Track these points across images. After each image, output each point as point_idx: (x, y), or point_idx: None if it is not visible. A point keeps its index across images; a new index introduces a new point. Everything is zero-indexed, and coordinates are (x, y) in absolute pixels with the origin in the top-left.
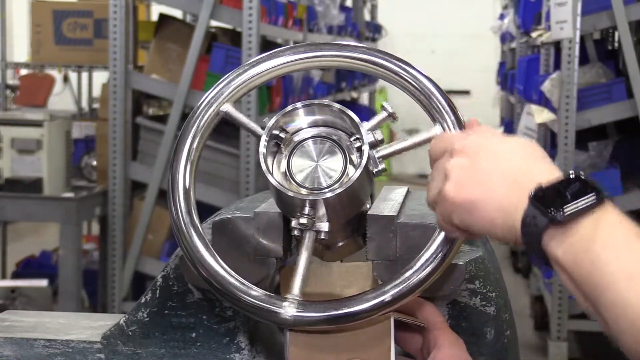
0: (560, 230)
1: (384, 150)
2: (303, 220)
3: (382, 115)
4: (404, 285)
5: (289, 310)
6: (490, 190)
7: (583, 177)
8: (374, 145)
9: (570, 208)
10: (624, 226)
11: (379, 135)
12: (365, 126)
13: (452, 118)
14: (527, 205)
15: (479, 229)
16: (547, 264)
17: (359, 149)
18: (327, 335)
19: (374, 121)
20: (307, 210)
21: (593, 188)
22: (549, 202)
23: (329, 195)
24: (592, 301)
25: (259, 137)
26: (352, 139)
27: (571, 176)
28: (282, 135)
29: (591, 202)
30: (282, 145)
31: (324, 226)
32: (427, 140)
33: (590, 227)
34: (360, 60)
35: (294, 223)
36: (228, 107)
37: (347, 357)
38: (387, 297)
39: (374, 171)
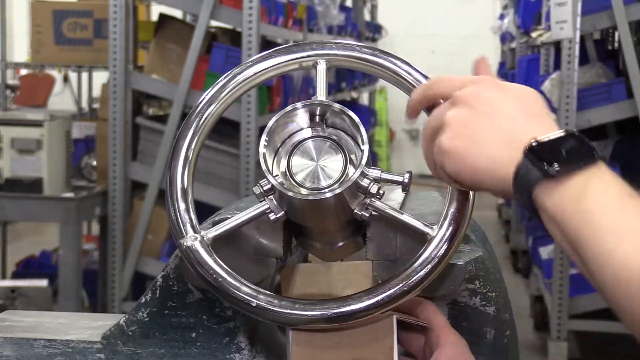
0: (552, 184)
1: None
2: (369, 196)
3: (397, 178)
4: (402, 284)
5: None
6: (483, 144)
7: (579, 135)
8: (377, 193)
9: (564, 164)
10: (616, 185)
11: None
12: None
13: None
14: (521, 158)
15: (468, 179)
16: (535, 214)
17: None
18: (330, 334)
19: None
20: (366, 183)
21: (588, 147)
22: (543, 157)
23: (328, 195)
24: (578, 252)
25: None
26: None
27: (567, 133)
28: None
29: (585, 160)
30: (281, 146)
31: (376, 185)
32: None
33: (582, 183)
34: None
35: (358, 210)
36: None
37: (349, 356)
38: (385, 296)
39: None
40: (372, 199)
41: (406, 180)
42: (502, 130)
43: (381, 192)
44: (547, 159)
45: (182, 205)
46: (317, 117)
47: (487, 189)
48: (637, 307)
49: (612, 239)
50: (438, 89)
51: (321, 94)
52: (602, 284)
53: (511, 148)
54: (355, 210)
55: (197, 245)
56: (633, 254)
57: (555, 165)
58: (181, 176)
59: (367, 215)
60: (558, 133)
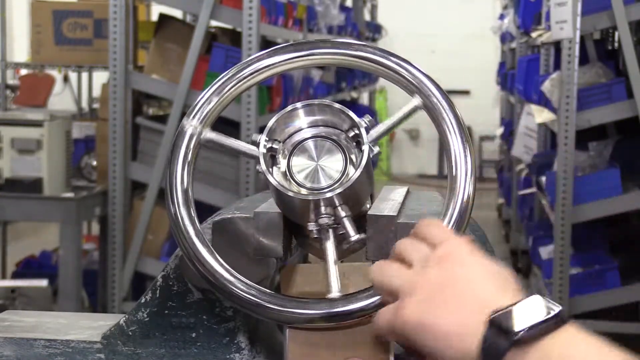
0: (522, 353)
1: (376, 132)
2: (324, 221)
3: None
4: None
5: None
6: (450, 314)
7: (543, 298)
8: (367, 129)
9: (529, 330)
10: (587, 343)
11: (368, 119)
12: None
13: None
14: (485, 329)
15: (430, 348)
16: None
17: (357, 141)
18: (326, 333)
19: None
20: (323, 209)
21: (552, 307)
22: (507, 326)
23: (328, 195)
24: None
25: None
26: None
27: (530, 298)
28: (276, 145)
29: (553, 322)
30: (281, 147)
31: (345, 221)
32: (412, 111)
33: (552, 346)
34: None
35: (311, 226)
36: (209, 134)
37: (345, 355)
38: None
39: (371, 155)
40: (330, 227)
41: (354, 239)
42: (472, 298)
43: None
44: (511, 327)
45: (182, 205)
46: (353, 134)
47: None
48: None
49: None
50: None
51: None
52: None
53: (478, 318)
54: (309, 227)
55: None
56: None
57: (523, 330)
58: (181, 175)
59: (314, 235)
60: (522, 298)
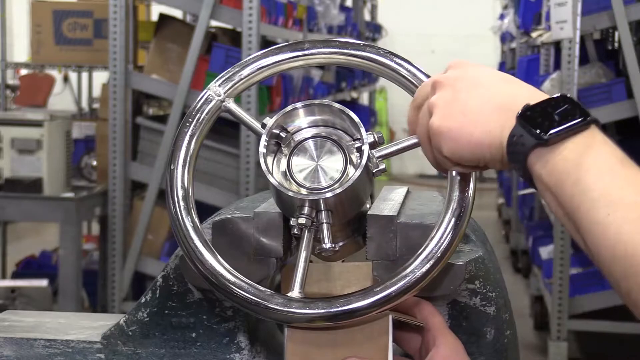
0: (546, 151)
1: (384, 150)
2: (302, 221)
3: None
4: (401, 283)
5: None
6: (474, 115)
7: (571, 99)
8: (373, 145)
9: (556, 129)
10: (609, 151)
11: (378, 135)
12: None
13: None
14: (514, 124)
15: (468, 154)
16: (532, 183)
17: (359, 149)
18: (325, 332)
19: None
20: (306, 210)
21: (581, 110)
22: (536, 122)
23: (328, 195)
24: (573, 221)
25: (259, 135)
26: (351, 141)
27: (560, 96)
28: (283, 134)
29: (578, 124)
30: (282, 145)
31: (323, 227)
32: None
33: (575, 150)
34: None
35: (292, 222)
36: (231, 104)
37: (344, 354)
38: (384, 295)
39: (373, 171)
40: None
41: (326, 246)
42: (489, 97)
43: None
44: (539, 124)
45: (182, 204)
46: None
47: (488, 162)
48: (633, 282)
49: (605, 211)
50: (419, 93)
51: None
52: (597, 255)
53: (503, 114)
54: (291, 222)
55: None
56: (627, 228)
57: (549, 130)
58: (182, 174)
59: (296, 233)
60: (550, 97)
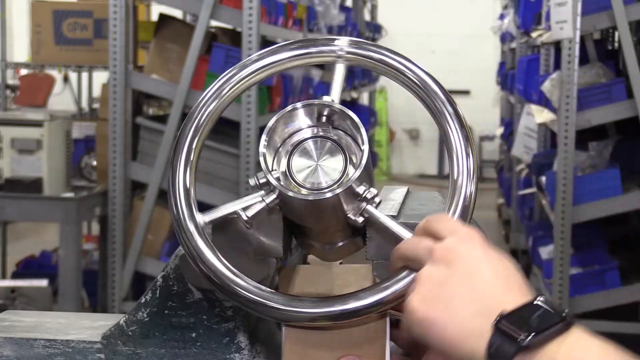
0: (528, 356)
1: (334, 96)
2: (365, 199)
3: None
4: (402, 283)
5: None
6: (455, 311)
7: (547, 300)
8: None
9: (537, 334)
10: (594, 348)
11: (325, 98)
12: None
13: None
14: (492, 333)
15: (437, 344)
16: None
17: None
18: (322, 332)
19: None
20: (363, 189)
21: (559, 312)
22: (514, 330)
23: (329, 195)
24: None
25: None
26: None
27: (536, 302)
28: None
29: (558, 326)
30: (282, 145)
31: (373, 190)
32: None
33: (558, 351)
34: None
35: (351, 214)
36: (204, 218)
37: (341, 354)
38: (384, 294)
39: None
40: (368, 205)
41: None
42: (477, 298)
43: (377, 199)
44: (518, 332)
45: (184, 203)
46: (324, 118)
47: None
48: None
49: None
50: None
51: (335, 96)
52: None
53: (483, 320)
54: (349, 215)
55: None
56: None
57: (529, 335)
58: (183, 174)
59: (360, 221)
60: (526, 302)
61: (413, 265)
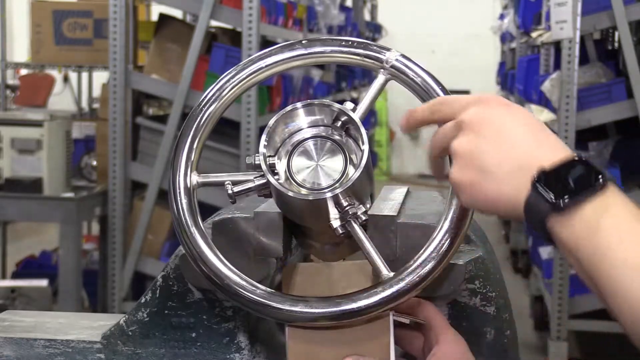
0: (564, 216)
1: (361, 108)
2: (347, 212)
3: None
4: (403, 282)
5: None
6: (491, 173)
7: (585, 160)
8: (354, 110)
9: (572, 195)
10: (627, 212)
11: (349, 105)
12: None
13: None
14: (529, 190)
15: (483, 208)
16: (553, 244)
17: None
18: (327, 331)
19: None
20: (346, 201)
21: (596, 172)
22: (551, 189)
23: (329, 195)
24: (595, 284)
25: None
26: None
27: (575, 159)
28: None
29: (594, 188)
30: (281, 147)
31: (363, 208)
32: (381, 87)
33: (593, 213)
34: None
35: (335, 223)
36: (198, 178)
37: (345, 353)
38: (385, 294)
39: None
40: (353, 220)
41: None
42: (510, 157)
43: (363, 217)
44: (555, 191)
45: (185, 203)
46: (340, 123)
47: (504, 216)
48: None
49: (629, 274)
50: (443, 111)
51: (360, 113)
52: (620, 315)
53: (521, 176)
54: (331, 222)
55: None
56: None
57: (564, 197)
58: (184, 174)
59: (341, 231)
60: (564, 160)
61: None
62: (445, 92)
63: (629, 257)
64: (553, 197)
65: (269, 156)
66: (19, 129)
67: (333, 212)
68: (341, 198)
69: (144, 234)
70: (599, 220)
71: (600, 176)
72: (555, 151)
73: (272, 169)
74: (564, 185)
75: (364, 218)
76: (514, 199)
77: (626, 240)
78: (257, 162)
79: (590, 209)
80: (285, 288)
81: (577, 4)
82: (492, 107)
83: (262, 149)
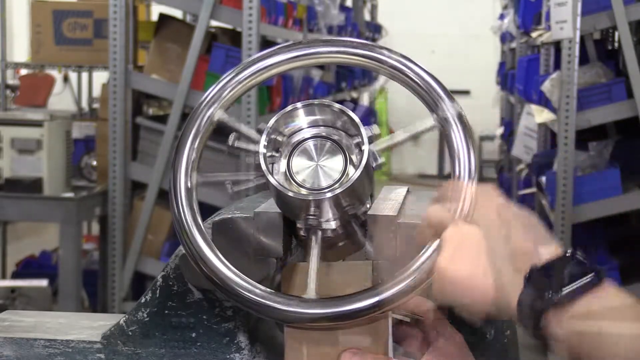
0: (560, 312)
1: (382, 143)
2: (310, 222)
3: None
4: (402, 284)
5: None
6: (484, 268)
7: (577, 257)
8: (371, 139)
9: (568, 290)
10: (625, 306)
11: (376, 130)
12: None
13: (450, 108)
14: (522, 287)
15: (472, 305)
16: (544, 343)
17: (358, 145)
18: (325, 330)
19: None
20: (312, 210)
21: (590, 267)
22: (545, 284)
23: (329, 195)
24: None
25: (255, 143)
26: (353, 141)
27: (567, 254)
28: (280, 138)
29: (589, 282)
30: (282, 146)
31: (331, 224)
32: (424, 132)
33: (590, 306)
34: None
35: (299, 224)
36: (221, 115)
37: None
38: (386, 295)
39: (373, 165)
40: (317, 228)
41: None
42: (505, 252)
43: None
44: (549, 286)
45: (186, 203)
46: (340, 123)
47: (493, 317)
48: None
49: None
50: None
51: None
52: None
53: (513, 274)
54: (298, 225)
55: None
56: None
57: (559, 292)
58: (185, 174)
59: (303, 235)
60: (558, 255)
61: (441, 230)
62: (449, 96)
63: (628, 348)
64: (549, 293)
65: (269, 156)
66: (19, 129)
67: (306, 213)
68: (341, 198)
69: (144, 234)
70: (596, 313)
71: (594, 272)
72: (551, 249)
73: (272, 169)
74: (558, 281)
75: (329, 235)
76: (506, 295)
77: (625, 336)
78: (257, 163)
79: (587, 302)
80: (285, 288)
81: (577, 4)
82: (489, 203)
83: (262, 149)
